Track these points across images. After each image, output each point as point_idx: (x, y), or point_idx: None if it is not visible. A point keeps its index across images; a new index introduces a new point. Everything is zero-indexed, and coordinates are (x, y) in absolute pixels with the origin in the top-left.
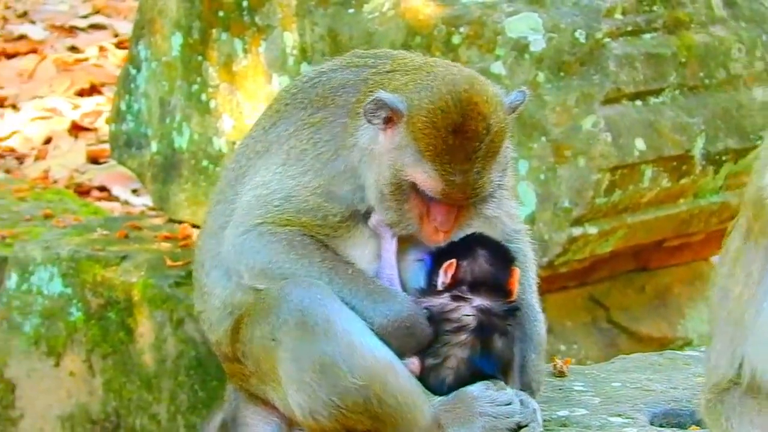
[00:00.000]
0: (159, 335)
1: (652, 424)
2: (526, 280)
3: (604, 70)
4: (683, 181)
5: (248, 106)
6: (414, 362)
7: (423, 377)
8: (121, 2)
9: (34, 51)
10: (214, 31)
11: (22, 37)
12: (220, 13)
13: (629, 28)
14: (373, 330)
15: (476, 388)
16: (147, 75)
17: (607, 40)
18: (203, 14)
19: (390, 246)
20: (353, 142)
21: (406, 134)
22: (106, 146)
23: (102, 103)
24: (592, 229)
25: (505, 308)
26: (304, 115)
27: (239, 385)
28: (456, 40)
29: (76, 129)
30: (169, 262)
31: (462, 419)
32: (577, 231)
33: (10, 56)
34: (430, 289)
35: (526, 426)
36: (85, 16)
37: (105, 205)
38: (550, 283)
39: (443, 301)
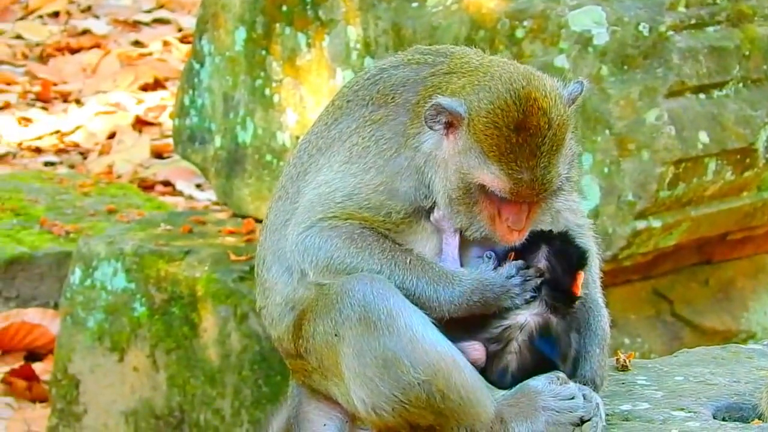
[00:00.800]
0: (223, 330)
1: (714, 418)
2: (590, 275)
3: (668, 63)
4: (747, 173)
5: (312, 101)
6: (477, 348)
7: (486, 368)
8: None
9: (97, 46)
10: (277, 25)
11: (85, 32)
12: (284, 8)
13: (692, 21)
14: (444, 315)
15: (539, 383)
16: (210, 70)
17: (670, 33)
18: (266, 9)
19: (453, 240)
20: (414, 143)
21: (468, 137)
22: (170, 141)
23: (166, 97)
24: (656, 223)
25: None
26: (366, 113)
27: (302, 381)
28: (519, 33)
29: (140, 124)
30: (233, 257)
31: (525, 414)
32: (641, 224)
33: (73, 51)
34: None
35: (589, 420)
36: (148, 11)
37: (169, 199)
38: (614, 276)
39: None
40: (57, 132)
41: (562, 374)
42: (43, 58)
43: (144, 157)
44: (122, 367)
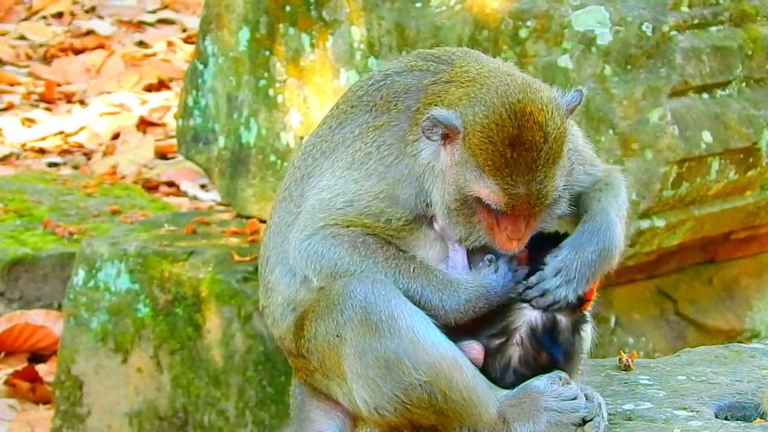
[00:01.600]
0: (227, 331)
1: (717, 417)
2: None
3: (671, 63)
4: (750, 173)
5: (315, 101)
6: (475, 348)
7: (488, 366)
8: None
9: (101, 46)
10: (281, 26)
11: (89, 32)
12: (287, 8)
13: (696, 21)
14: (450, 322)
15: (541, 383)
16: (214, 70)
17: (673, 33)
18: (270, 9)
19: (461, 247)
20: (413, 150)
21: (464, 150)
22: (174, 141)
23: (170, 98)
24: (660, 222)
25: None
26: (369, 118)
27: (304, 380)
28: (523, 33)
29: (144, 124)
30: (236, 258)
31: (527, 414)
32: (644, 224)
33: (77, 52)
34: None
35: (591, 420)
36: (153, 12)
37: (173, 200)
38: (618, 275)
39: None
40: (61, 133)
41: (564, 374)
42: (46, 59)
43: (148, 157)
44: (126, 368)
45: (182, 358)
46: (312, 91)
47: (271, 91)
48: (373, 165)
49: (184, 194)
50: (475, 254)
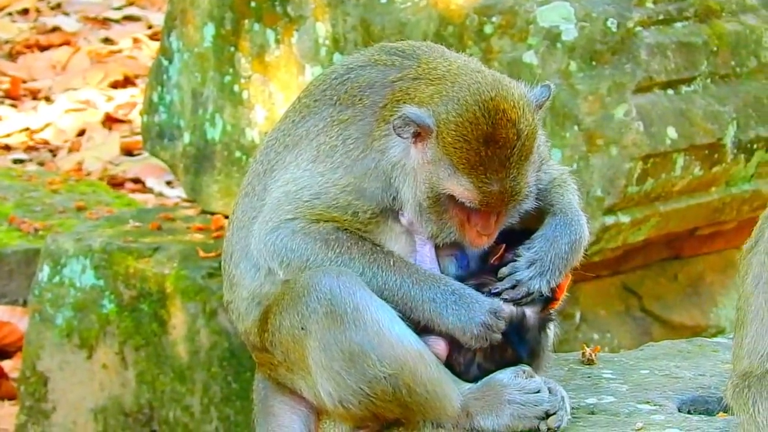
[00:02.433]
0: (192, 327)
1: (680, 411)
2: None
3: (636, 58)
4: (715, 169)
5: (281, 97)
6: (440, 343)
7: (452, 358)
8: None
9: (67, 43)
10: (246, 21)
11: (55, 29)
12: (252, 4)
13: (661, 17)
14: (428, 316)
15: (505, 376)
16: (179, 66)
17: (638, 28)
18: (235, 5)
19: (429, 242)
20: (381, 146)
21: (437, 149)
22: (140, 138)
23: (136, 94)
24: (625, 218)
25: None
26: (334, 112)
27: (267, 375)
28: (488, 29)
29: (109, 121)
30: (201, 254)
31: (491, 407)
32: (609, 220)
33: (43, 48)
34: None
35: (554, 414)
36: (118, 8)
37: (139, 197)
38: (583, 272)
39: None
40: (26, 129)
41: (528, 368)
42: (12, 56)
43: (114, 154)
44: (91, 364)
45: (147, 354)
46: (277, 87)
47: (236, 87)
48: (339, 158)
49: (150, 191)
50: (442, 248)
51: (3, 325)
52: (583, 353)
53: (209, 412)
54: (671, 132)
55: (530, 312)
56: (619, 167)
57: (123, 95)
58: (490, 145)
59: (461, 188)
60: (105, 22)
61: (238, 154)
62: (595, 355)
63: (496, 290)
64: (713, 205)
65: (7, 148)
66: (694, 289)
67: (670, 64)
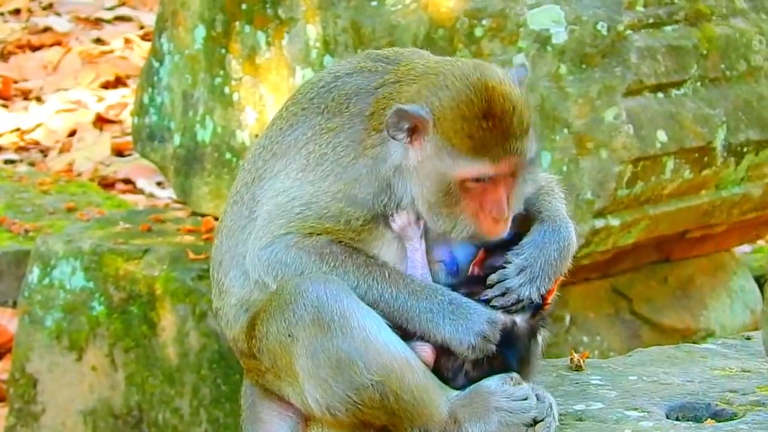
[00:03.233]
0: (181, 329)
1: (668, 417)
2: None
3: (626, 62)
4: (705, 172)
5: (271, 99)
6: (426, 350)
7: (440, 365)
8: None
9: (59, 43)
10: (237, 23)
11: (47, 29)
12: (243, 6)
13: (651, 20)
14: (424, 325)
15: (493, 383)
16: (170, 68)
17: (628, 32)
18: (226, 7)
19: (419, 246)
20: (373, 153)
21: (437, 139)
22: (131, 138)
23: (127, 95)
24: (615, 221)
25: (532, 305)
26: (322, 120)
27: (255, 381)
28: (478, 32)
29: (100, 121)
30: (191, 255)
31: (478, 414)
32: (599, 223)
33: (34, 48)
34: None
35: (542, 421)
36: (110, 8)
37: (129, 197)
38: (573, 275)
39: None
40: (17, 130)
41: (515, 375)
42: (3, 56)
43: (105, 154)
44: (80, 366)
45: (137, 356)
46: (268, 89)
47: (226, 89)
48: (329, 166)
49: (141, 191)
50: (432, 254)
51: None
52: (571, 359)
53: (198, 414)
54: (661, 135)
55: (520, 319)
56: (609, 170)
57: (114, 96)
58: (489, 118)
59: (470, 167)
60: (97, 22)
61: (228, 155)
62: (583, 361)
63: (485, 297)
64: (703, 208)
65: None
66: (683, 292)
67: (660, 68)
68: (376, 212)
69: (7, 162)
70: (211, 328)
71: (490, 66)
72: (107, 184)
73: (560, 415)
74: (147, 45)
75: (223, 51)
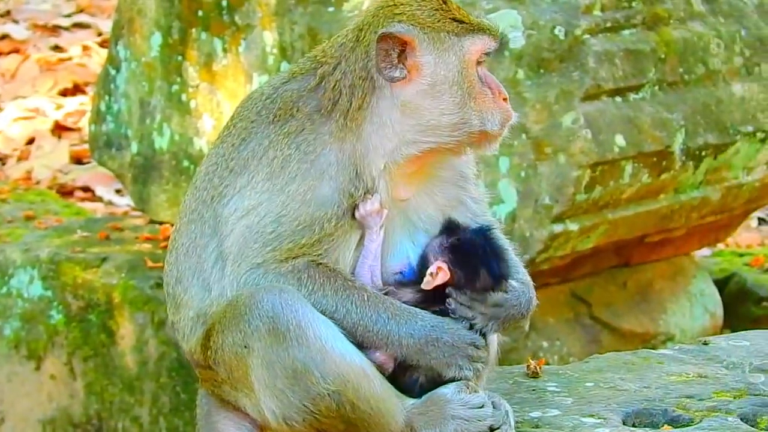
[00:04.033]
0: (140, 337)
1: (624, 424)
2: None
3: (584, 66)
4: (663, 176)
5: (228, 106)
6: (383, 359)
7: (396, 373)
8: (104, 1)
9: (16, 51)
10: (193, 30)
11: (4, 36)
12: (200, 13)
13: (608, 25)
14: (403, 351)
15: (449, 391)
16: (127, 75)
17: (586, 36)
18: (183, 14)
19: (376, 237)
20: (340, 136)
21: (431, 41)
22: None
23: (85, 102)
24: (573, 226)
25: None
26: (275, 128)
27: (211, 391)
28: None
29: (59, 129)
30: (149, 263)
31: (434, 422)
32: (558, 228)
33: None
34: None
35: (498, 429)
36: (68, 15)
37: (88, 205)
38: (532, 280)
39: (417, 296)
40: None
41: (471, 382)
42: None
43: (63, 162)
44: (39, 375)
45: (96, 365)
46: (225, 96)
47: (183, 96)
48: (295, 165)
49: (99, 199)
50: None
51: None
52: (528, 366)
53: (158, 422)
54: (619, 140)
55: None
56: (567, 175)
57: (72, 103)
58: None
59: (476, 43)
60: (54, 29)
61: (185, 163)
62: (540, 368)
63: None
64: (662, 212)
65: None
66: (643, 297)
67: (618, 72)
68: (346, 208)
69: None
70: (170, 336)
71: None
72: (66, 192)
73: (517, 422)
74: (105, 52)
75: (180, 58)
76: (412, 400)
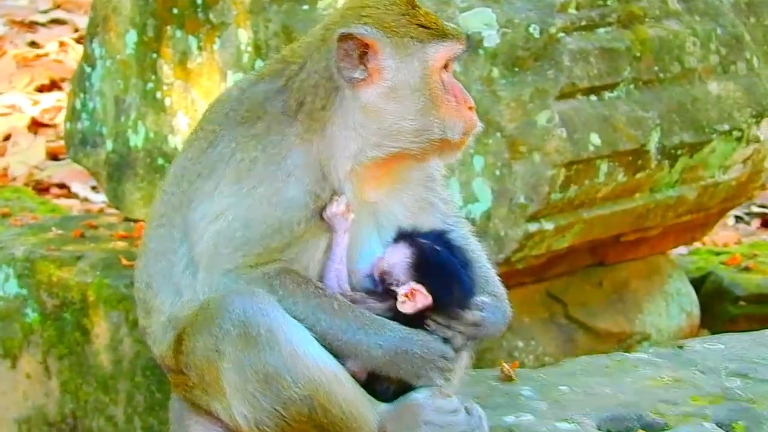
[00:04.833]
0: (115, 336)
1: (599, 428)
2: (485, 271)
3: (559, 65)
4: (639, 175)
5: (203, 104)
6: (352, 366)
7: (368, 381)
8: None
9: None
10: (168, 28)
11: None
12: (175, 11)
13: (583, 23)
14: (372, 361)
15: (422, 396)
16: (102, 73)
17: (561, 34)
18: (157, 11)
19: (341, 240)
20: (306, 137)
21: (395, 44)
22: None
23: (62, 99)
24: (549, 225)
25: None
26: (243, 130)
27: (183, 395)
28: None
29: (35, 125)
30: (124, 262)
31: (407, 428)
32: (533, 227)
33: None
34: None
35: None
36: (45, 11)
37: (64, 202)
38: (507, 279)
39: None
40: None
41: (444, 387)
42: None
43: (39, 159)
44: (14, 373)
45: (71, 364)
46: (200, 94)
47: (158, 94)
48: (261, 167)
49: (75, 196)
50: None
51: None
52: (502, 370)
53: (133, 422)
54: (594, 138)
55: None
56: (542, 174)
57: (49, 99)
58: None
59: (441, 49)
60: (31, 25)
61: (160, 161)
62: (513, 372)
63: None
64: (637, 211)
65: None
66: (618, 296)
67: (593, 70)
68: (314, 210)
69: None
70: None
71: None
72: (42, 189)
73: (490, 427)
74: (82, 48)
75: (155, 56)
76: (384, 405)
